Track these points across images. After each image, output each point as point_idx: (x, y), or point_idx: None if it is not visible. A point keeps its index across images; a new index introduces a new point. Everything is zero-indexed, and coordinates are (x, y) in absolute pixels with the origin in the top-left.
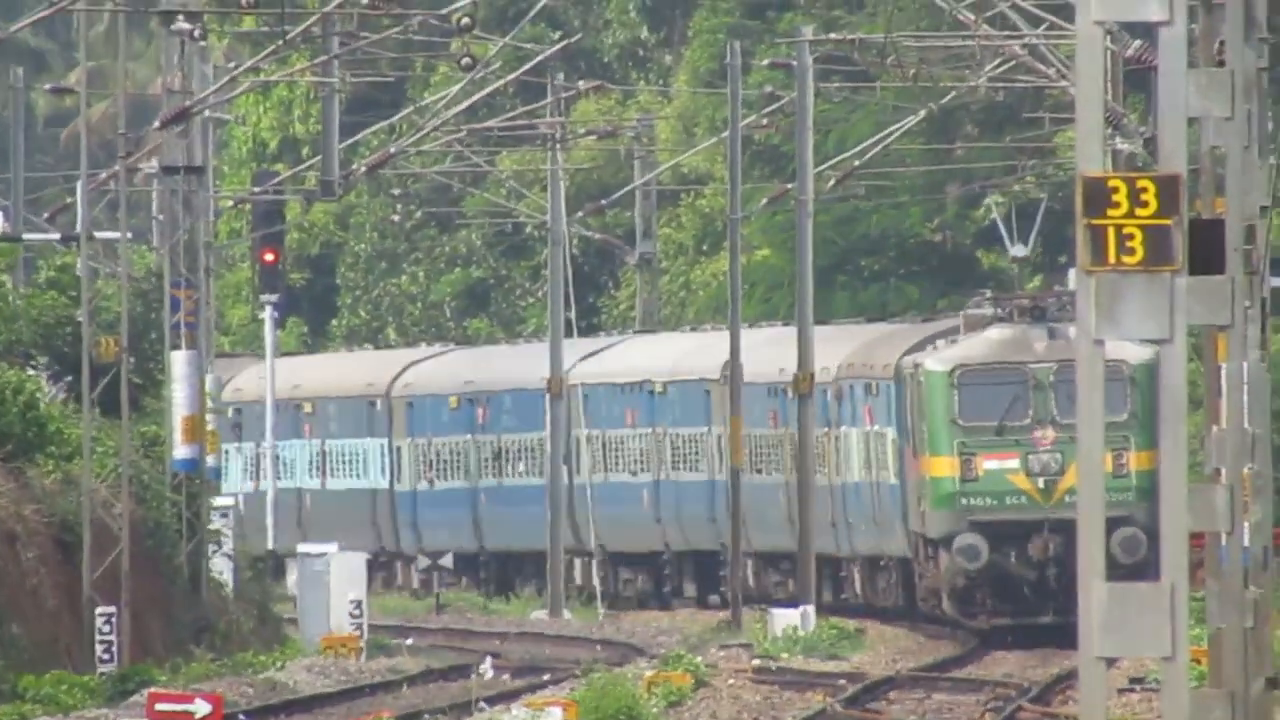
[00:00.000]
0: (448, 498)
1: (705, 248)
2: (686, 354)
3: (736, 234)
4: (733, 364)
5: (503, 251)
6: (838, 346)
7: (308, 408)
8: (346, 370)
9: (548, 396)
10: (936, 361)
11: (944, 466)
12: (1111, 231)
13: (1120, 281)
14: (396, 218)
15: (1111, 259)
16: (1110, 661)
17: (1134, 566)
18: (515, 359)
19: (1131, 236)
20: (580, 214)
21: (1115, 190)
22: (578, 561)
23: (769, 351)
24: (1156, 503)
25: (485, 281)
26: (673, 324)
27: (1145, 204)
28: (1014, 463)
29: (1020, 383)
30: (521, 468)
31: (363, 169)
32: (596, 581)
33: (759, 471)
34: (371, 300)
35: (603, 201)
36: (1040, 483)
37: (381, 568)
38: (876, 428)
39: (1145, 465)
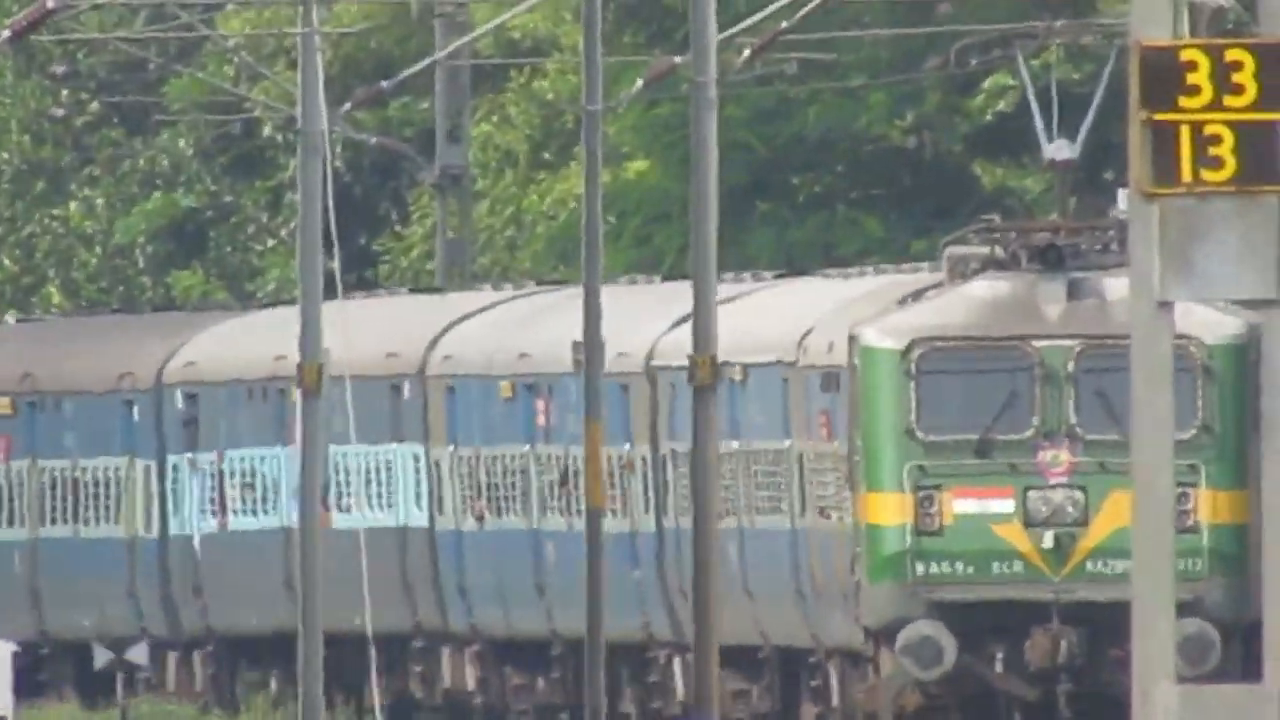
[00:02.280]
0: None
1: (546, 158)
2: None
3: (596, 135)
4: (588, 343)
5: (227, 167)
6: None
7: None
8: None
9: (299, 392)
10: (883, 333)
11: (888, 509)
12: (1186, 132)
13: (1200, 211)
14: (60, 112)
15: (1186, 175)
16: None
17: (1199, 681)
18: (245, 334)
19: (1218, 140)
20: (348, 106)
21: (1192, 66)
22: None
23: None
24: (1245, 578)
25: (200, 214)
26: (494, 276)
27: (1239, 89)
28: (1005, 504)
29: (1020, 370)
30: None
31: (6, 34)
32: (375, 684)
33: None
34: (20, 243)
35: (383, 85)
36: (1048, 539)
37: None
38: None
39: (1224, 516)
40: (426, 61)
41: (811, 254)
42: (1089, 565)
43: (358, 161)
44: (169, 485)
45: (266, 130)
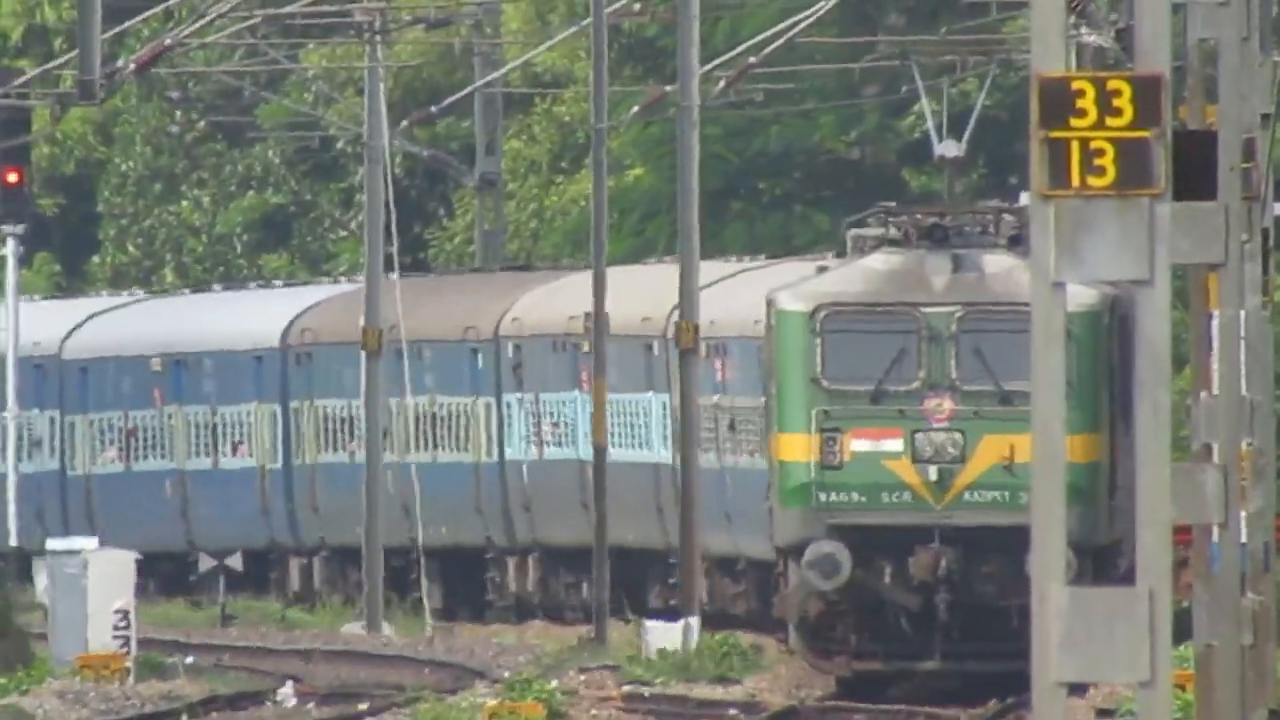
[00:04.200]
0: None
1: (563, 166)
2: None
3: (602, 149)
4: (596, 312)
5: (307, 172)
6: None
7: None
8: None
9: (363, 354)
10: (794, 298)
11: (797, 447)
12: (1075, 146)
13: (1086, 209)
14: (174, 129)
15: (1075, 181)
16: (1074, 688)
17: None
18: (551, 297)
19: (1101, 153)
20: (405, 124)
21: (1080, 94)
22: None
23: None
24: (1096, 508)
25: (285, 209)
26: (522, 261)
27: (1118, 111)
28: (895, 443)
29: (909, 331)
30: (340, 444)
31: (131, 67)
32: (424, 587)
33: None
34: (143, 232)
35: (433, 109)
36: (931, 473)
37: (164, 567)
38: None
39: (1079, 455)
40: (468, 90)
41: (774, 244)
42: (965, 496)
43: (412, 169)
44: (504, 420)
45: (339, 144)
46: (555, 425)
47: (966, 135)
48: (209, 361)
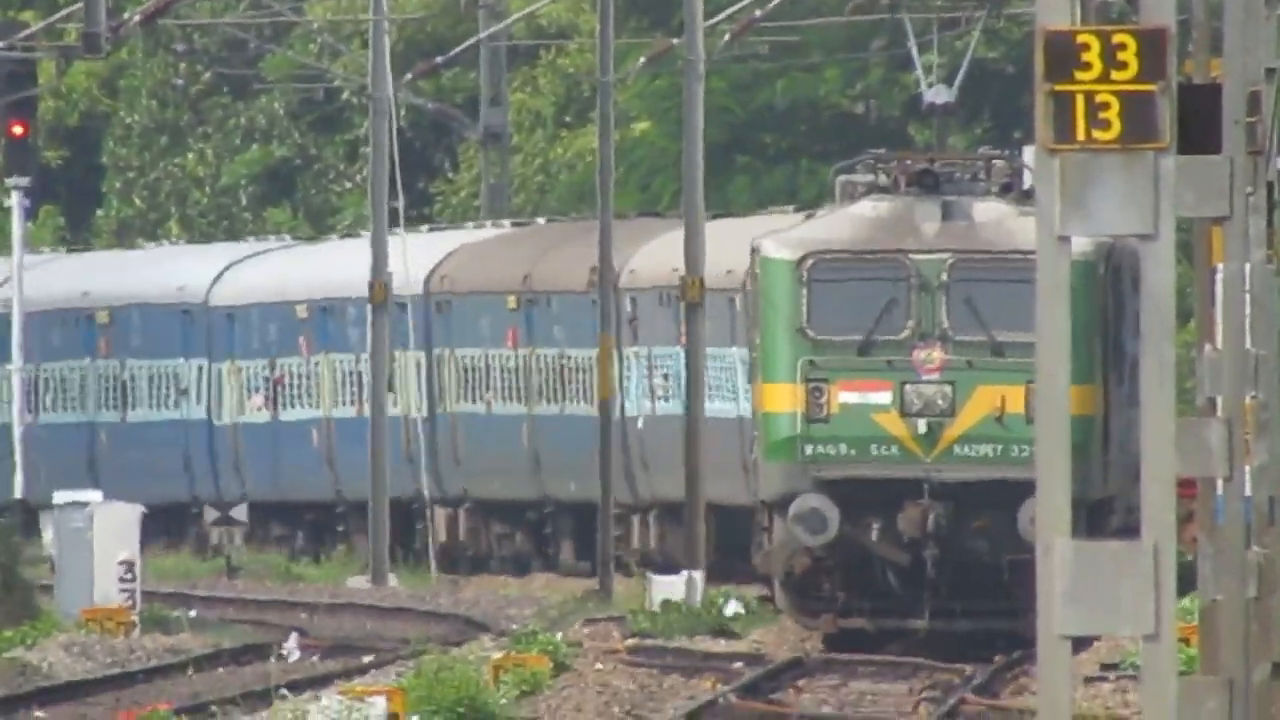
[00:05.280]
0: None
1: (568, 119)
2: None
3: (608, 102)
4: (602, 267)
5: (312, 124)
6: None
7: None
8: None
9: (369, 307)
10: (779, 245)
11: (782, 398)
12: (1080, 100)
13: (1091, 162)
14: (179, 81)
15: (1080, 134)
16: (1077, 642)
17: None
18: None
19: (1106, 106)
20: (410, 77)
21: (1085, 47)
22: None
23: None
24: (1090, 462)
25: (290, 162)
26: (528, 214)
27: (1123, 65)
28: (883, 395)
29: (898, 279)
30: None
31: (136, 19)
32: (431, 539)
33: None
34: (148, 185)
35: (438, 60)
36: (921, 426)
37: (168, 521)
38: None
39: (1078, 408)
40: (472, 41)
41: (780, 198)
42: (956, 450)
43: (417, 121)
44: (625, 373)
45: (344, 96)
46: (665, 379)
47: (958, 81)
48: (353, 310)
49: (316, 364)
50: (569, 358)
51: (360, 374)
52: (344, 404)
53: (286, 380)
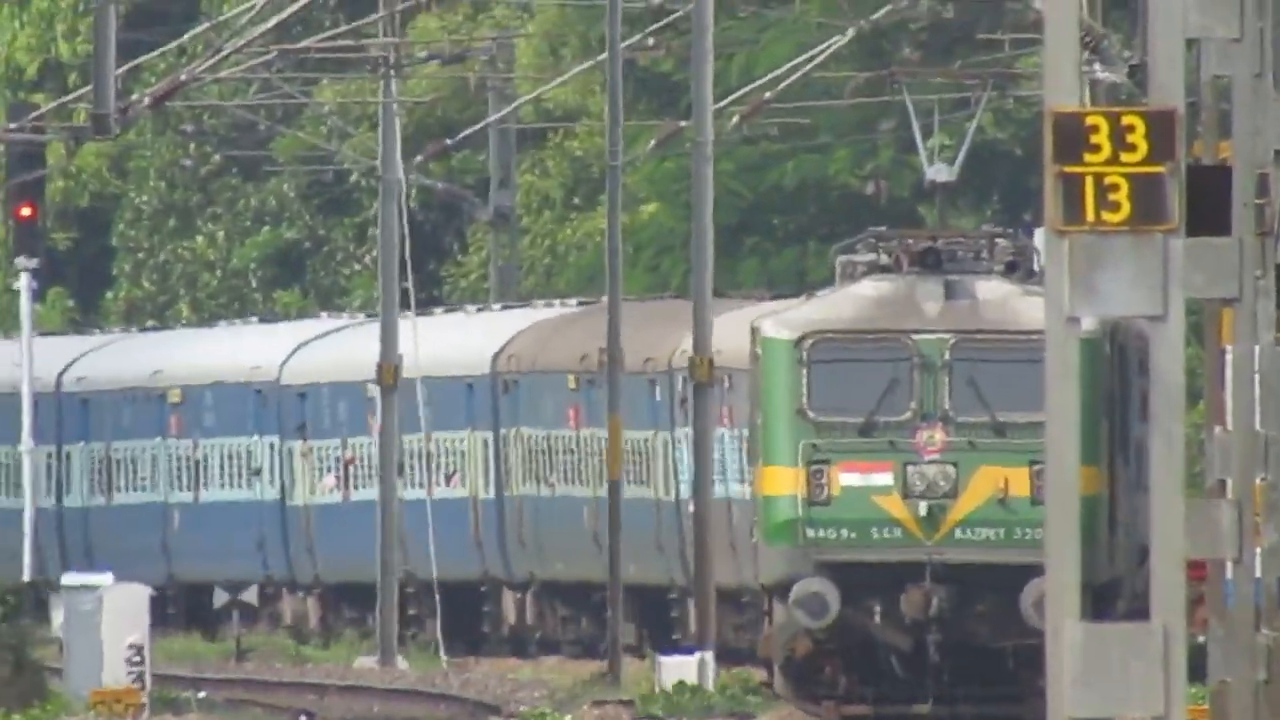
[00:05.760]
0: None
1: (577, 201)
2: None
3: (617, 184)
4: (610, 348)
5: (321, 206)
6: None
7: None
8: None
9: (378, 389)
10: (780, 326)
11: (783, 480)
12: (1090, 182)
13: (1100, 244)
14: (189, 163)
15: (1090, 216)
16: None
17: None
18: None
19: (1115, 188)
20: (420, 159)
21: (1094, 129)
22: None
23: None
24: (1096, 544)
25: (300, 244)
26: (537, 296)
27: (1132, 147)
28: (885, 477)
29: (900, 360)
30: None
31: (146, 101)
32: (439, 622)
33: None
34: (158, 267)
35: (448, 143)
36: (922, 508)
37: (167, 603)
38: None
39: (1084, 488)
40: (481, 124)
41: (789, 279)
42: (958, 532)
43: (427, 203)
44: (676, 454)
45: (353, 178)
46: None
47: (959, 159)
48: (422, 387)
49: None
50: (625, 440)
51: (429, 453)
52: (411, 485)
53: (357, 460)
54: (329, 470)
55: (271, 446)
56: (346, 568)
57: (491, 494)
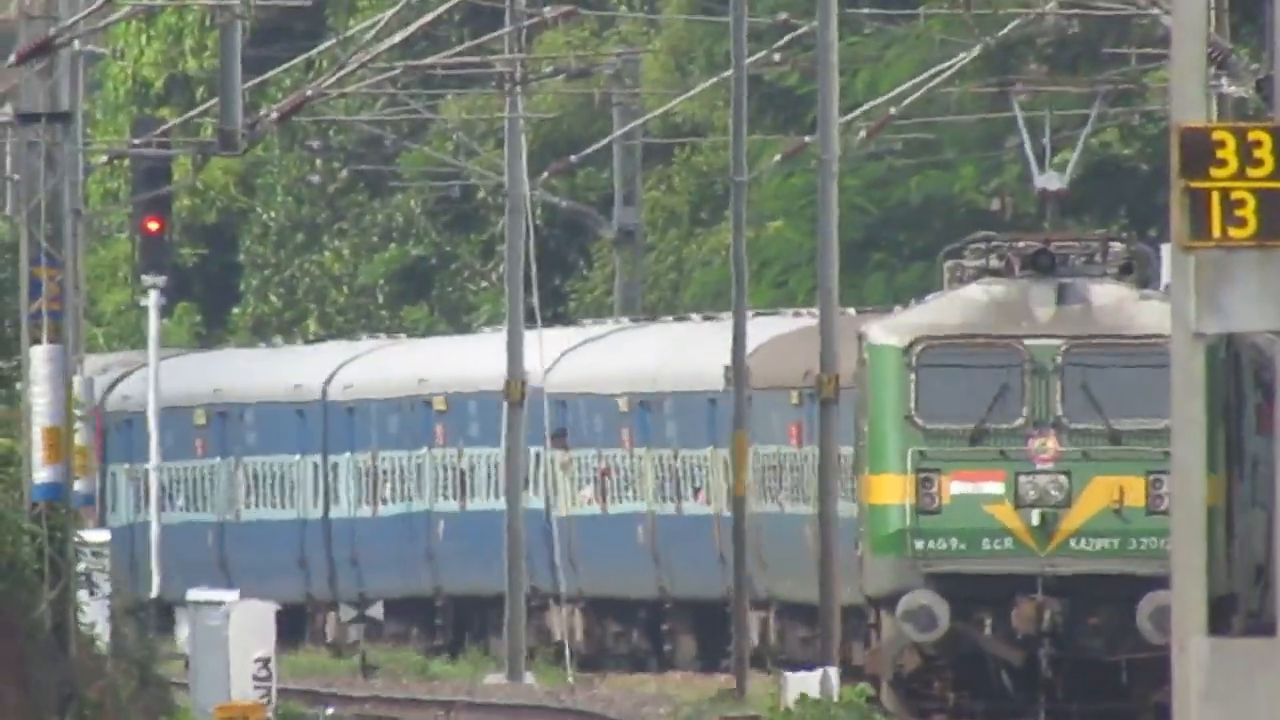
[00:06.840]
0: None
1: (703, 216)
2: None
3: (742, 200)
4: (736, 365)
5: (448, 223)
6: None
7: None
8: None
9: (505, 403)
10: (887, 331)
11: (890, 489)
12: (1216, 197)
13: (1227, 260)
14: (315, 179)
15: (1216, 232)
16: None
17: (1169, 645)
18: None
19: (1242, 203)
20: (545, 175)
21: (1221, 144)
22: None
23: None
24: (1215, 556)
25: (426, 260)
26: (662, 312)
27: (1259, 162)
28: (997, 486)
29: (1011, 365)
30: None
31: (273, 116)
32: (566, 636)
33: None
34: (284, 282)
35: (573, 159)
36: (1035, 517)
37: (298, 619)
38: None
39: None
40: (607, 140)
41: (914, 295)
42: (1071, 543)
43: (552, 219)
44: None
45: (480, 194)
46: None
47: (1069, 168)
48: (668, 403)
49: (639, 458)
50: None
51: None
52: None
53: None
54: (587, 482)
55: (536, 455)
56: (602, 581)
57: (726, 510)
